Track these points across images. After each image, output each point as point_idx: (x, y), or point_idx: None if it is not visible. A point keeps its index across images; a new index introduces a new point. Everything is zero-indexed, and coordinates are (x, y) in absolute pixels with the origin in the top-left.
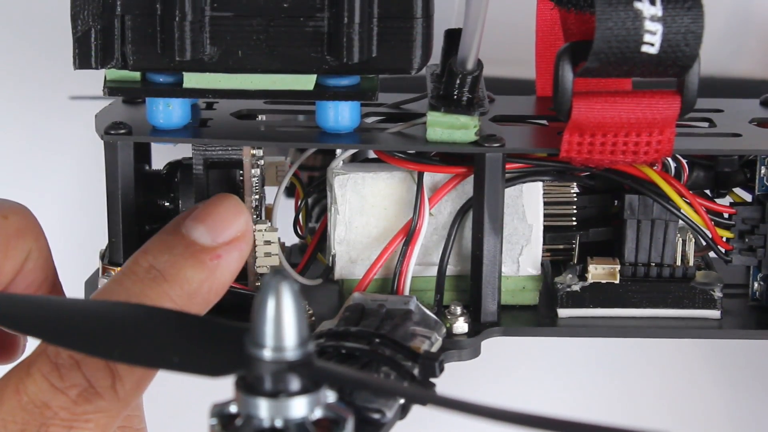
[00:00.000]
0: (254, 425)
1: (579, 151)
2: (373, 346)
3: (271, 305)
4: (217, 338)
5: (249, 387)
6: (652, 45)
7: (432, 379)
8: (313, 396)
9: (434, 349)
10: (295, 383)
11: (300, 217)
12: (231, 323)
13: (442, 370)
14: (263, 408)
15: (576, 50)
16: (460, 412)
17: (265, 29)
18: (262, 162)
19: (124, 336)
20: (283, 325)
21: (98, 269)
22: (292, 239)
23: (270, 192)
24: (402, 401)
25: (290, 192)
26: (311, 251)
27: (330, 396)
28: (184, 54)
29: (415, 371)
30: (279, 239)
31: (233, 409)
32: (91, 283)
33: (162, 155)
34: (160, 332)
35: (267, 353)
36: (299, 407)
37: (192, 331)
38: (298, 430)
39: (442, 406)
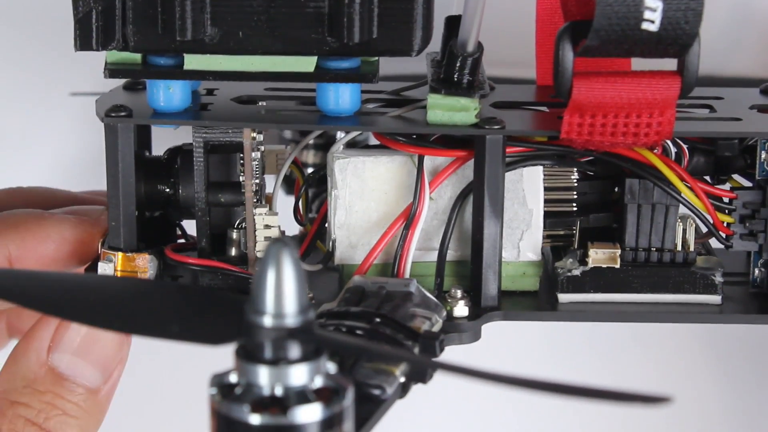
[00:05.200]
0: (254, 393)
1: (579, 133)
2: (373, 326)
3: (271, 272)
4: (217, 308)
5: (249, 355)
6: (653, 22)
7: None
8: (313, 364)
9: (434, 330)
10: (295, 350)
11: (300, 204)
12: (231, 294)
13: (442, 349)
14: (263, 376)
15: (576, 29)
16: (462, 376)
17: (265, 10)
18: (262, 147)
19: (125, 307)
20: (283, 291)
21: (98, 254)
22: (291, 231)
23: (269, 181)
24: (402, 380)
25: (289, 188)
26: (311, 237)
27: (330, 367)
28: (184, 34)
29: (416, 350)
30: (279, 226)
31: (233, 378)
32: (91, 268)
33: (162, 142)
34: (161, 303)
35: (267, 320)
36: (299, 375)
37: (192, 301)
38: (298, 398)
39: (443, 370)
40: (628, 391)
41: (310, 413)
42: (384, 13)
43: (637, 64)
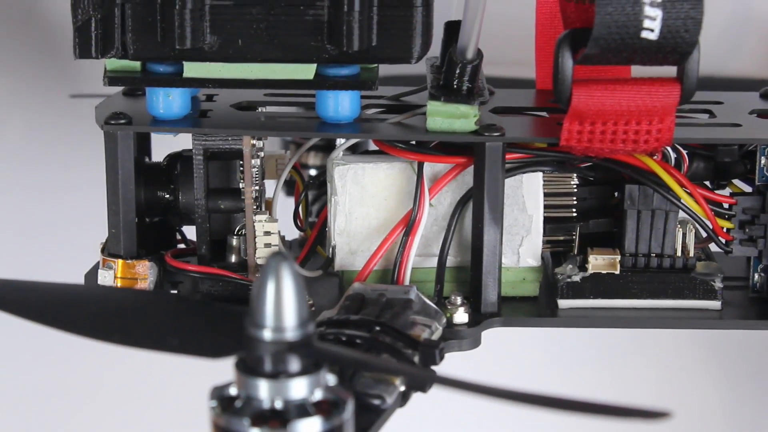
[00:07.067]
0: (254, 407)
1: (579, 140)
2: (373, 334)
3: (270, 286)
4: (217, 321)
5: (249, 368)
6: (652, 31)
7: (432, 367)
8: (313, 377)
9: (434, 337)
10: (295, 364)
11: (300, 209)
12: (231, 306)
13: (442, 357)
14: (263, 389)
15: (576, 37)
16: (461, 391)
17: (265, 18)
18: (262, 153)
19: (125, 320)
20: (282, 305)
21: (98, 262)
22: (291, 235)
23: (270, 186)
24: (402, 388)
25: (290, 190)
26: (311, 242)
27: (330, 379)
28: (184, 42)
29: (416, 359)
30: (279, 232)
31: (233, 391)
32: (90, 276)
33: (162, 148)
34: (160, 316)
35: (267, 334)
36: (299, 388)
37: (192, 314)
38: (298, 411)
39: (442, 385)
40: (628, 406)
41: (310, 427)
42: (383, 21)
43: (637, 70)
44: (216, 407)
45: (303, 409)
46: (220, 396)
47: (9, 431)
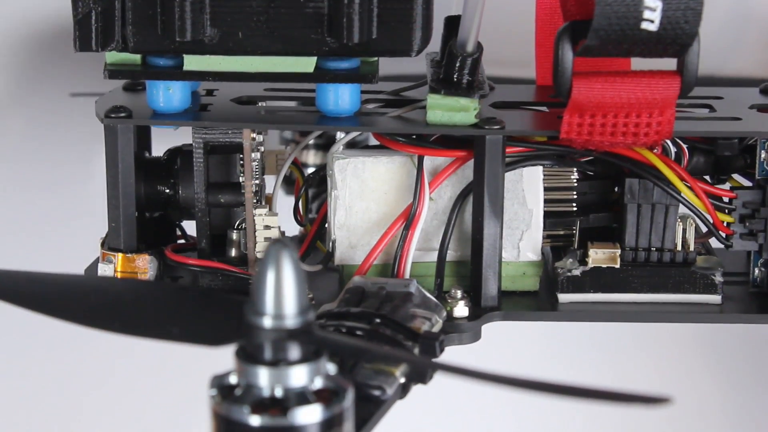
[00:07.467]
0: (254, 394)
1: (579, 133)
2: (373, 326)
3: (271, 273)
4: (217, 309)
5: (249, 356)
6: (652, 22)
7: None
8: (313, 365)
9: (434, 330)
10: (295, 352)
11: (300, 204)
12: (231, 295)
13: (442, 350)
14: (263, 377)
15: (576, 29)
16: (462, 378)
17: (265, 10)
18: (262, 148)
19: (124, 309)
20: (282, 293)
21: (99, 256)
22: (291, 232)
23: (269, 182)
24: (402, 380)
25: (289, 188)
26: (311, 237)
27: (330, 368)
28: (184, 35)
29: (416, 351)
30: (279, 226)
31: (233, 379)
32: (91, 270)
33: (162, 142)
34: (160, 305)
35: (267, 321)
36: (299, 376)
37: (192, 302)
38: (298, 399)
39: (443, 372)
40: (628, 392)
41: (310, 414)
42: (383, 14)
43: (637, 63)
44: (216, 395)
45: (303, 397)
46: (220, 384)
47: (9, 423)
